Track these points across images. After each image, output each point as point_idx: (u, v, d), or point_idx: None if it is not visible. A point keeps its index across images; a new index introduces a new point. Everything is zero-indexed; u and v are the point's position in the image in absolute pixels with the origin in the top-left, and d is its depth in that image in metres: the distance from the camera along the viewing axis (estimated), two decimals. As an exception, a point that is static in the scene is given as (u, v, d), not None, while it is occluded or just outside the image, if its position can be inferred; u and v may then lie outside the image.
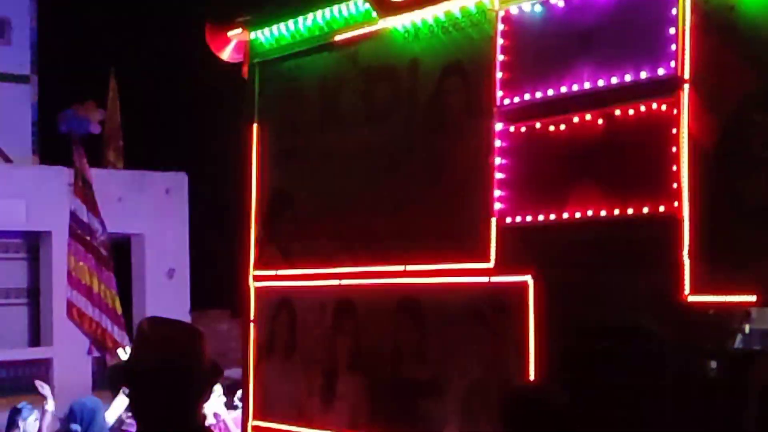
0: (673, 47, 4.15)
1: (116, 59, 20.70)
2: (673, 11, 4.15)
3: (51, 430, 7.70)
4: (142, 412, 2.79)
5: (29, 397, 16.85)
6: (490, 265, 4.70)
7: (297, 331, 5.71)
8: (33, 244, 20.24)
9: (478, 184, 4.79)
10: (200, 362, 2.76)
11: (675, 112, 4.12)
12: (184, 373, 2.70)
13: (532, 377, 4.44)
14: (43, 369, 18.96)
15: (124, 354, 8.20)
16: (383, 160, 5.28)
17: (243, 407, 6.10)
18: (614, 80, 4.34)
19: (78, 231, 10.13)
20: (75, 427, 6.89)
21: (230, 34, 6.19)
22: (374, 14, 5.29)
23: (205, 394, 2.83)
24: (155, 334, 2.79)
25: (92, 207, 10.17)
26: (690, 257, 4.03)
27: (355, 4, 5.40)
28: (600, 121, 4.38)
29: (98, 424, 7.16)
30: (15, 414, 7.24)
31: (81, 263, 10.10)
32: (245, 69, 6.18)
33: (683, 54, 4.12)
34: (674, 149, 4.10)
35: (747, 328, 4.22)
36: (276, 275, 5.85)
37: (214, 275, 17.93)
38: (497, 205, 4.71)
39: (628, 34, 4.33)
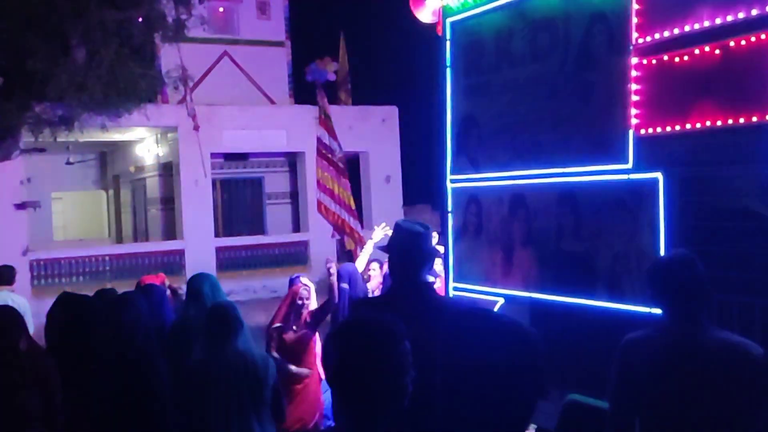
0: (779, -11, 3.84)
1: (345, 25, 20.90)
2: (779, -41, 3.83)
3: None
4: (392, 271, 3.40)
5: (295, 268, 17.69)
6: (629, 165, 4.56)
7: (482, 218, 5.73)
8: (292, 161, 21.01)
9: (618, 105, 4.63)
10: (426, 244, 3.32)
11: (780, 41, 3.84)
12: (414, 248, 3.28)
13: (662, 250, 4.32)
14: (302, 248, 19.83)
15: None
16: (545, 89, 5.16)
17: (445, 274, 6.21)
18: (729, 18, 4.06)
19: (323, 151, 10.36)
20: (344, 285, 7.11)
21: (428, 1, 6.14)
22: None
23: (428, 264, 3.31)
24: (402, 227, 3.35)
25: (332, 133, 10.36)
26: (791, 155, 3.79)
27: (521, -28, 5.25)
28: (717, 52, 4.12)
29: (358, 282, 7.38)
30: (294, 280, 7.61)
31: (325, 173, 10.35)
32: (439, 27, 6.14)
33: (787, -7, 3.82)
34: (779, 71, 3.83)
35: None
36: (466, 178, 5.88)
37: (418, 179, 18.12)
38: (634, 120, 4.55)
39: (741, -19, 4.02)
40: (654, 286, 3.23)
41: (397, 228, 3.34)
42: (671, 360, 3.06)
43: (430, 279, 7.95)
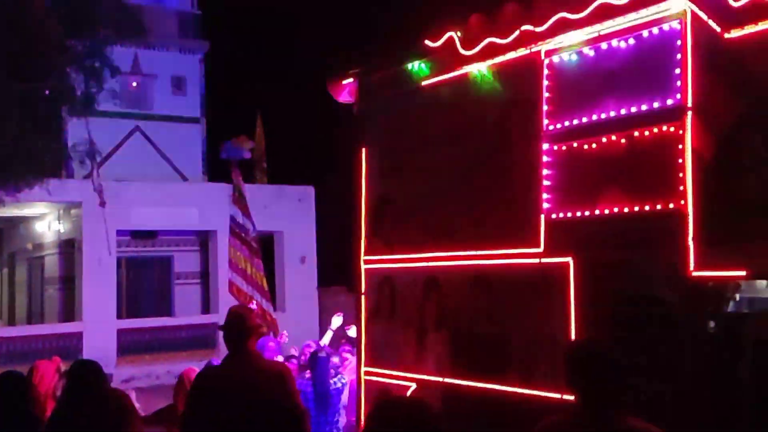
0: (679, 83, 4.09)
1: (261, 104, 21.10)
2: (678, 56, 4.10)
3: None
4: (227, 344, 4.40)
5: (202, 351, 17.22)
6: (540, 249, 4.69)
7: (396, 300, 5.75)
8: (203, 239, 20.70)
9: (530, 189, 4.79)
10: (251, 322, 4.42)
11: (681, 132, 4.07)
12: (239, 325, 4.37)
13: (573, 335, 4.42)
14: (211, 330, 19.34)
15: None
16: (460, 172, 5.30)
17: (357, 357, 6.17)
18: (633, 109, 4.30)
19: (236, 230, 10.30)
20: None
21: (344, 82, 6.28)
22: (451, 65, 5.33)
23: (253, 337, 4.41)
24: (233, 310, 4.51)
25: (246, 212, 10.33)
26: (694, 242, 3.97)
27: (437, 57, 5.45)
28: (623, 141, 4.34)
29: None
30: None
31: (238, 253, 10.27)
32: (356, 107, 6.27)
33: (687, 88, 4.07)
34: (681, 161, 4.05)
35: (738, 296, 4.14)
36: (380, 259, 5.91)
37: (334, 260, 18.09)
38: (545, 205, 4.70)
39: (643, 74, 4.28)
40: (568, 372, 3.29)
41: (230, 312, 4.54)
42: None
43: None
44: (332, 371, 7.17)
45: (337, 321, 8.64)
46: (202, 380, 4.48)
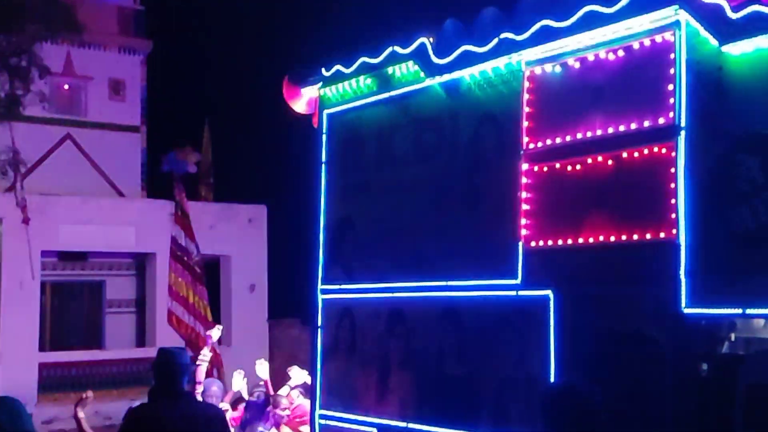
0: (672, 100, 4.16)
1: (210, 112, 21.01)
2: (671, 71, 4.17)
3: None
4: (157, 382, 4.63)
5: (138, 389, 16.97)
6: (518, 281, 4.71)
7: (356, 335, 5.73)
8: (140, 263, 20.46)
9: (507, 214, 4.81)
10: (183, 360, 4.67)
11: (673, 154, 4.13)
12: (173, 364, 4.59)
13: (552, 376, 4.43)
14: (147, 366, 19.06)
15: (206, 353, 8.28)
16: (429, 193, 5.32)
17: (311, 398, 6.12)
18: (622, 128, 4.35)
19: (177, 253, 10.21)
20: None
21: (303, 90, 6.29)
22: (422, 74, 5.36)
23: (185, 376, 4.64)
24: (164, 349, 4.76)
25: (189, 233, 10.25)
26: (686, 275, 4.02)
27: (406, 65, 5.47)
28: (610, 162, 4.39)
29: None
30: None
31: (179, 279, 10.18)
32: (315, 119, 6.26)
33: (680, 106, 4.13)
34: (672, 185, 4.10)
35: (733, 336, 4.19)
36: (340, 289, 5.89)
37: (288, 289, 18.01)
38: (523, 232, 4.73)
39: (633, 90, 4.34)
40: (544, 417, 3.29)
41: (160, 350, 4.81)
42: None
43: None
44: (265, 420, 7.18)
45: (300, 376, 8.32)
46: (134, 423, 4.60)
